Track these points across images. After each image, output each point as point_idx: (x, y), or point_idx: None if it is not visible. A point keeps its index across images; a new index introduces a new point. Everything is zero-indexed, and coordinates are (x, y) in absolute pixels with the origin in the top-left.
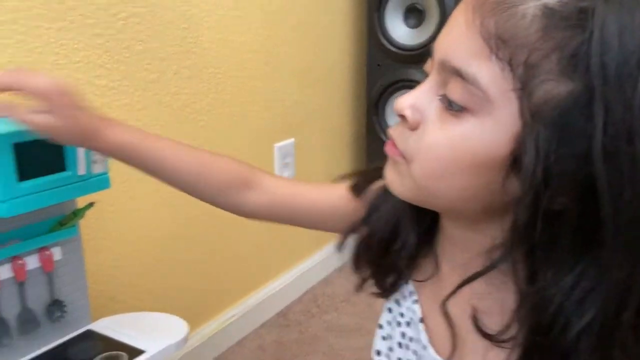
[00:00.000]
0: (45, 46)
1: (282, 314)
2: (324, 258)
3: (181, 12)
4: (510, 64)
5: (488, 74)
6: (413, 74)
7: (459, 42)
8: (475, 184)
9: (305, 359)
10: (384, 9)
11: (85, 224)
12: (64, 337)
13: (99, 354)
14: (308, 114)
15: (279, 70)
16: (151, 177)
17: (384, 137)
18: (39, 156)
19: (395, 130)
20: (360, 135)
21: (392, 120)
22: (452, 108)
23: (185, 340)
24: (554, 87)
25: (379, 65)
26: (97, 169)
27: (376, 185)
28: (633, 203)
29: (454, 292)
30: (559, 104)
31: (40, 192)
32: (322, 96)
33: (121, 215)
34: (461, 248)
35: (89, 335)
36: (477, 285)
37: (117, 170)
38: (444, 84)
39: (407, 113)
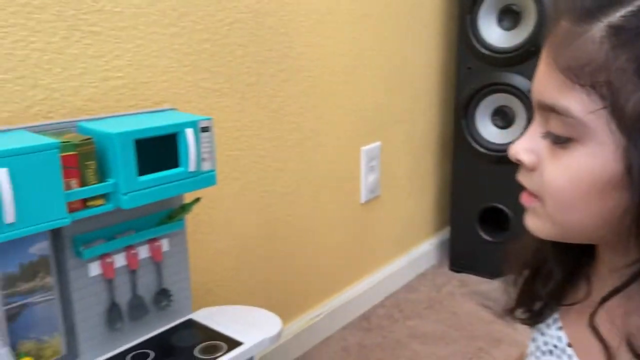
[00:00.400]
0: (160, 50)
1: (365, 317)
2: (406, 264)
3: (280, 16)
4: (594, 87)
5: (577, 103)
6: (506, 77)
7: (545, 81)
8: (603, 207)
9: None
10: (477, 10)
11: (187, 218)
12: (168, 324)
13: (200, 342)
14: (394, 117)
15: (367, 73)
16: None
17: (472, 142)
18: (156, 153)
19: (521, 177)
20: (447, 139)
21: (481, 124)
22: (559, 141)
23: (279, 335)
24: None
25: (469, 68)
26: (205, 166)
27: None
28: None
29: (597, 308)
30: None
31: (156, 187)
32: (409, 99)
33: (216, 212)
34: (610, 269)
35: (190, 324)
36: (626, 303)
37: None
38: (546, 122)
39: (523, 157)
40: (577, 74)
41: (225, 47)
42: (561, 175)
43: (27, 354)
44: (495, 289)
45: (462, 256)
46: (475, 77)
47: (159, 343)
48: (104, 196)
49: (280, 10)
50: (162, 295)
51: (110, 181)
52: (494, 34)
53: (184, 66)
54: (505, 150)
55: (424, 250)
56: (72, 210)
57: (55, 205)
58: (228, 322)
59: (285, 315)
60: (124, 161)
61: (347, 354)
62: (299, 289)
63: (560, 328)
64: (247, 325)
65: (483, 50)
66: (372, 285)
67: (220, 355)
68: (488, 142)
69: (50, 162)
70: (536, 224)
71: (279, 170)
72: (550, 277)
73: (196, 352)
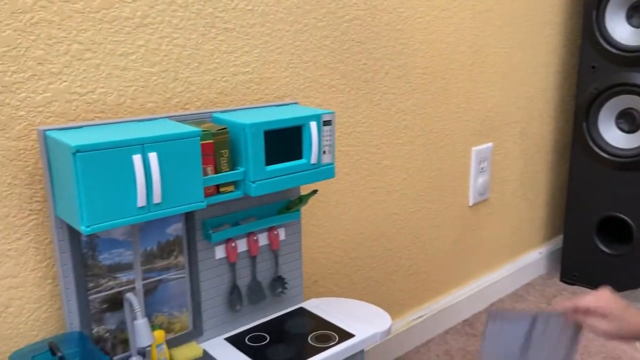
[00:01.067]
0: (284, 47)
1: (469, 323)
2: (513, 271)
3: (397, 13)
4: None
5: None
6: (634, 77)
7: None
8: None
9: None
10: (604, 6)
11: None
12: (281, 311)
13: (313, 331)
14: (508, 117)
15: (483, 71)
16: None
17: (593, 146)
18: (282, 145)
19: None
20: (563, 143)
21: (604, 127)
22: None
23: (389, 331)
24: None
25: (593, 67)
26: (325, 159)
27: None
28: None
29: None
30: None
31: (280, 177)
32: (524, 99)
33: (327, 206)
34: None
35: (302, 312)
36: None
37: None
38: None
39: None
40: None
41: (343, 43)
42: None
43: (160, 327)
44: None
45: (575, 268)
46: (599, 77)
47: (274, 328)
48: (233, 183)
49: (399, 6)
50: (278, 282)
51: (241, 169)
52: (622, 31)
53: (304, 62)
54: (630, 156)
55: (533, 258)
56: (206, 195)
57: (195, 189)
58: (338, 314)
59: (389, 314)
60: (254, 151)
61: (450, 358)
62: (402, 288)
63: None
64: (357, 318)
65: (609, 49)
66: (477, 291)
67: (333, 345)
68: (611, 146)
69: (192, 148)
70: None
71: (388, 167)
72: None
73: (310, 339)
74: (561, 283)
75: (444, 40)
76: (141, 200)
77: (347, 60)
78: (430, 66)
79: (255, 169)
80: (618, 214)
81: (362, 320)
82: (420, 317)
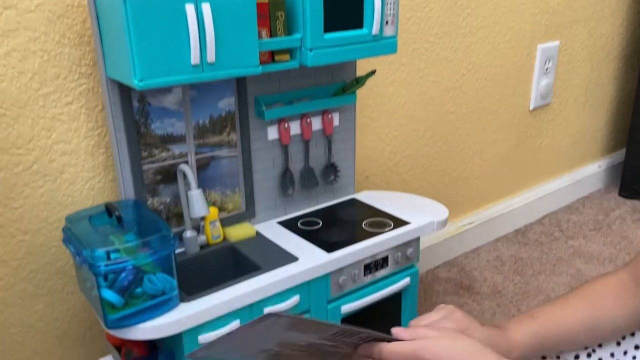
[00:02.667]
0: None
1: (521, 232)
2: (570, 183)
3: None
4: None
5: None
6: None
7: None
8: None
9: (549, 278)
10: None
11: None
12: (333, 200)
13: (366, 219)
14: (577, 14)
15: None
16: None
17: None
18: (342, 11)
19: None
20: (635, 48)
21: None
22: None
23: (445, 222)
24: None
25: None
26: (388, 31)
27: None
28: None
29: None
30: None
31: (339, 46)
32: None
33: (382, 99)
34: None
35: (354, 202)
36: None
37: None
38: None
39: None
40: None
41: None
42: None
43: (213, 204)
44: None
45: (636, 181)
46: None
47: (326, 214)
48: (289, 52)
49: None
50: (330, 169)
51: (297, 35)
52: None
53: None
54: None
55: (592, 171)
56: (261, 63)
57: (250, 51)
58: (393, 205)
59: None
60: (313, 14)
61: (502, 263)
62: (454, 192)
63: None
64: (413, 209)
65: None
66: (531, 201)
67: (388, 230)
68: None
69: (247, 5)
70: None
71: (447, 60)
72: None
73: (364, 225)
74: (620, 197)
75: None
76: (195, 57)
77: None
78: None
79: (312, 36)
80: None
81: (418, 210)
82: (471, 223)
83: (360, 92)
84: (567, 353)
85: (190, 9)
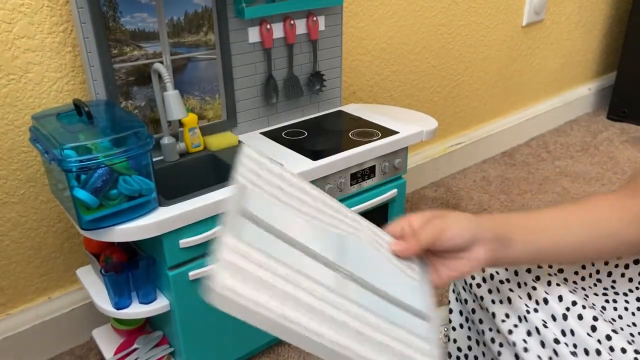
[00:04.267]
0: None
1: (508, 154)
2: (559, 105)
3: None
4: None
5: None
6: None
7: None
8: None
9: (535, 197)
10: None
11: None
12: (319, 112)
13: (353, 129)
14: None
15: None
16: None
17: None
18: None
19: None
20: None
21: None
22: None
23: (434, 132)
24: None
25: None
26: None
27: None
28: None
29: None
30: None
31: None
32: None
33: (371, 6)
34: None
35: (342, 114)
36: None
37: None
38: None
39: None
40: None
41: None
42: None
43: (192, 111)
44: None
45: (625, 104)
46: None
47: (312, 125)
48: None
49: None
50: (316, 78)
51: None
52: None
53: None
54: None
55: (581, 94)
56: None
57: None
58: (381, 116)
59: None
60: None
61: (488, 183)
62: (442, 112)
63: None
64: (401, 120)
65: None
66: (518, 123)
67: (376, 139)
68: None
69: None
70: None
71: None
72: None
73: (351, 134)
74: (608, 120)
75: None
76: None
77: None
78: None
79: None
80: None
81: (407, 121)
82: (459, 144)
83: (354, 2)
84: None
85: None
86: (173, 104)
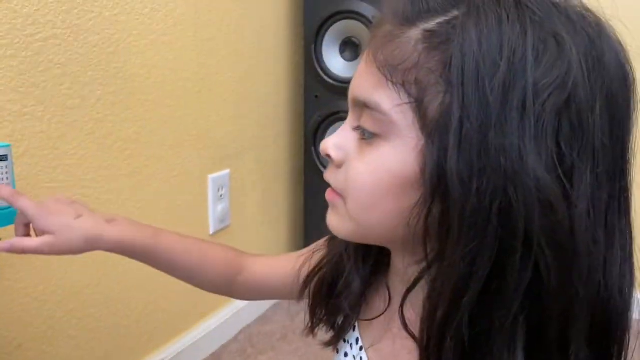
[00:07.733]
0: None
1: (217, 356)
2: None
3: (107, 35)
4: (404, 85)
5: (388, 99)
6: (345, 105)
7: (362, 78)
8: (401, 206)
9: None
10: (320, 41)
11: None
12: None
13: None
14: (243, 145)
15: (212, 99)
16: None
17: (322, 169)
18: None
19: (328, 173)
20: (297, 167)
21: None
22: (367, 137)
23: None
24: (444, 99)
25: (316, 96)
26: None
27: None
28: (477, 196)
29: (399, 314)
30: (448, 114)
31: None
32: (257, 127)
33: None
34: (402, 275)
35: None
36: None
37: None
38: (358, 118)
39: (331, 152)
40: (391, 72)
41: (37, 65)
42: (364, 172)
43: None
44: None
45: None
46: (322, 106)
47: None
48: None
49: (108, 27)
50: None
51: None
52: (337, 64)
53: None
54: None
55: None
56: None
57: None
58: None
59: None
60: None
61: None
62: (137, 332)
63: (361, 348)
64: None
65: (328, 80)
66: (224, 321)
67: None
68: None
69: None
70: (337, 222)
71: (111, 202)
72: (349, 288)
73: None
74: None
75: (166, 67)
76: None
77: (44, 84)
78: (153, 92)
79: None
80: None
81: None
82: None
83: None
84: None
85: None
86: None
